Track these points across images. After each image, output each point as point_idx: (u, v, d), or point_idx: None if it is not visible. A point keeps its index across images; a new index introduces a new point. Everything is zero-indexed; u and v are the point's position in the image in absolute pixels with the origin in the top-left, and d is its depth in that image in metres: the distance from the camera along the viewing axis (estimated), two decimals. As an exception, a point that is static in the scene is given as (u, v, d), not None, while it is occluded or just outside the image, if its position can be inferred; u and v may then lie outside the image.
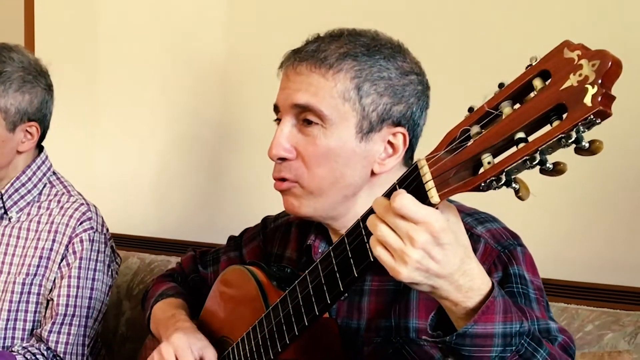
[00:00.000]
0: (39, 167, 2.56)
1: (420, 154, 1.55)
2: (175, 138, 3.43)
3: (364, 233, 1.39)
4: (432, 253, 1.25)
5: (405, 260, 1.25)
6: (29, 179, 2.53)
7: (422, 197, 1.26)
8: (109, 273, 2.54)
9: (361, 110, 1.67)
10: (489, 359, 1.32)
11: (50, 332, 2.40)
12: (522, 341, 1.34)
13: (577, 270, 2.47)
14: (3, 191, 2.50)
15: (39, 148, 2.59)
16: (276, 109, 1.77)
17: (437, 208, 1.26)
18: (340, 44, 1.70)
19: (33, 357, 2.36)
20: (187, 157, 3.39)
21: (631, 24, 2.36)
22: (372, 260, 1.37)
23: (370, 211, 1.34)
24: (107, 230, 2.56)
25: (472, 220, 1.66)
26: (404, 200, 1.24)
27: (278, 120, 1.77)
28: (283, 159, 1.72)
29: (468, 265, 1.30)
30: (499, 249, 1.61)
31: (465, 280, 1.30)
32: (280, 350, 1.62)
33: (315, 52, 1.69)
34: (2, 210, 2.52)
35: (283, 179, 1.74)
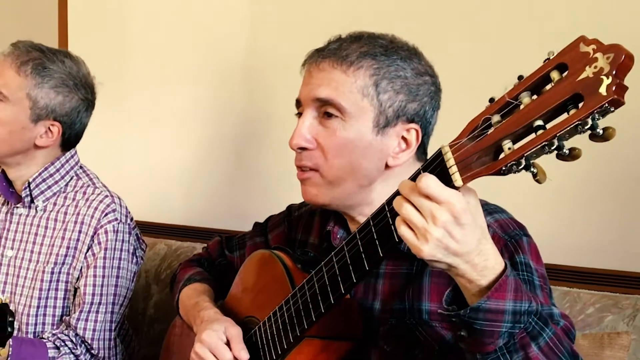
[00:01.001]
0: (67, 161, 2.55)
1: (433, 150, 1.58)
2: (201, 131, 3.44)
3: (389, 215, 1.42)
4: (452, 232, 1.28)
5: (427, 238, 1.28)
6: (57, 170, 2.52)
7: (446, 180, 1.29)
8: (134, 260, 2.55)
9: (378, 105, 1.70)
10: (499, 333, 1.34)
11: (78, 319, 2.40)
12: (530, 320, 1.37)
13: (579, 255, 2.47)
14: (31, 180, 2.49)
15: (67, 149, 2.58)
16: (298, 103, 1.81)
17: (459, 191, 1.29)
18: (360, 44, 1.74)
19: (62, 343, 2.38)
20: (212, 148, 3.40)
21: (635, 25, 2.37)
22: (397, 240, 1.40)
23: (395, 194, 1.37)
24: (132, 219, 2.57)
25: (482, 211, 1.68)
26: (429, 180, 1.27)
27: (299, 115, 1.80)
28: (303, 149, 1.76)
29: (484, 245, 1.33)
30: (506, 239, 1.63)
31: (480, 260, 1.33)
32: (306, 327, 1.65)
33: (338, 50, 1.73)
34: (29, 199, 2.51)
35: (304, 169, 1.78)
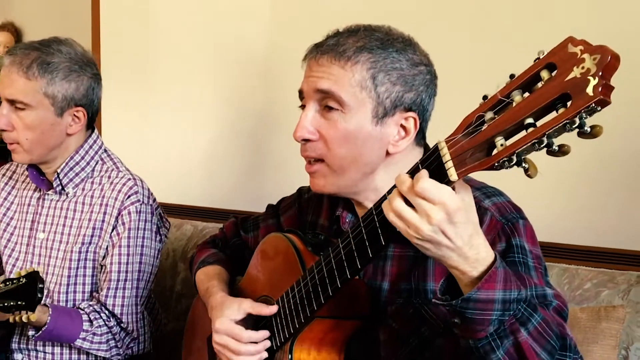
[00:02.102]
0: (90, 147, 2.54)
1: (432, 136, 1.55)
2: (223, 122, 3.46)
3: None
4: (445, 230, 1.28)
5: (419, 233, 1.29)
6: (82, 157, 2.51)
7: (442, 175, 1.28)
8: (158, 238, 2.55)
9: (376, 97, 1.68)
10: (489, 321, 1.34)
11: (106, 296, 2.42)
12: (519, 307, 1.36)
13: (578, 235, 2.49)
14: (59, 170, 2.48)
15: (91, 129, 2.58)
16: (301, 94, 1.79)
17: (454, 187, 1.29)
18: (357, 38, 1.70)
19: (97, 316, 2.40)
20: (232, 138, 3.42)
21: (627, 24, 2.36)
22: (397, 230, 1.38)
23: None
24: (154, 200, 2.57)
25: (481, 194, 1.66)
26: (425, 184, 1.27)
27: (302, 107, 1.78)
28: (307, 140, 1.74)
29: (476, 240, 1.33)
30: (503, 222, 1.62)
31: (472, 253, 1.33)
32: (316, 308, 1.64)
33: (335, 46, 1.70)
34: (60, 187, 2.51)
35: (310, 162, 1.77)
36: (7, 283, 2.19)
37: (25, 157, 2.45)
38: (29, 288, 2.13)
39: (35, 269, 2.16)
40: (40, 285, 2.12)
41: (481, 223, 1.57)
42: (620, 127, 2.33)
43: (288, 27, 3.21)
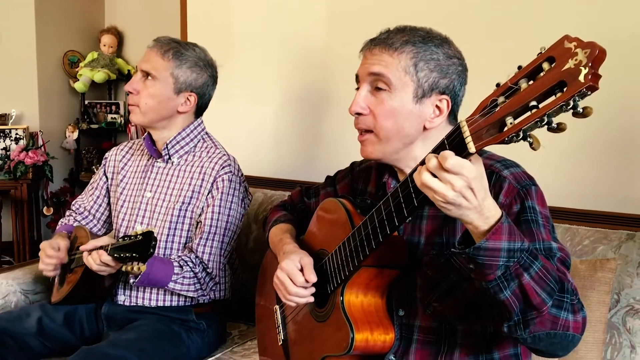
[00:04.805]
0: (195, 128, 2.64)
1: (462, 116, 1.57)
2: (288, 105, 3.49)
3: None
4: (465, 194, 1.33)
5: (444, 199, 1.34)
6: (187, 134, 2.62)
7: (463, 148, 1.32)
8: (242, 205, 2.61)
9: (417, 81, 1.72)
10: (497, 266, 1.38)
11: (198, 245, 2.49)
12: (522, 255, 1.40)
13: (579, 200, 2.51)
14: (168, 142, 2.60)
15: (199, 116, 2.69)
16: (357, 78, 1.83)
17: (470, 159, 1.32)
18: (404, 34, 1.75)
19: (185, 263, 2.45)
20: (296, 119, 3.46)
21: (613, 25, 2.37)
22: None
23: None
24: (242, 174, 2.64)
25: (500, 165, 1.69)
26: (453, 160, 1.31)
27: (357, 89, 1.82)
28: (359, 114, 1.79)
29: (486, 201, 1.37)
30: (518, 187, 1.64)
31: (484, 211, 1.36)
32: (362, 258, 1.68)
33: (386, 39, 1.75)
34: (167, 156, 2.62)
35: (361, 132, 1.81)
36: (125, 239, 2.24)
37: (140, 118, 2.57)
38: (144, 244, 2.16)
39: (151, 229, 2.20)
40: (153, 243, 2.15)
41: (500, 189, 1.62)
42: (611, 112, 2.35)
43: (340, 25, 3.23)
